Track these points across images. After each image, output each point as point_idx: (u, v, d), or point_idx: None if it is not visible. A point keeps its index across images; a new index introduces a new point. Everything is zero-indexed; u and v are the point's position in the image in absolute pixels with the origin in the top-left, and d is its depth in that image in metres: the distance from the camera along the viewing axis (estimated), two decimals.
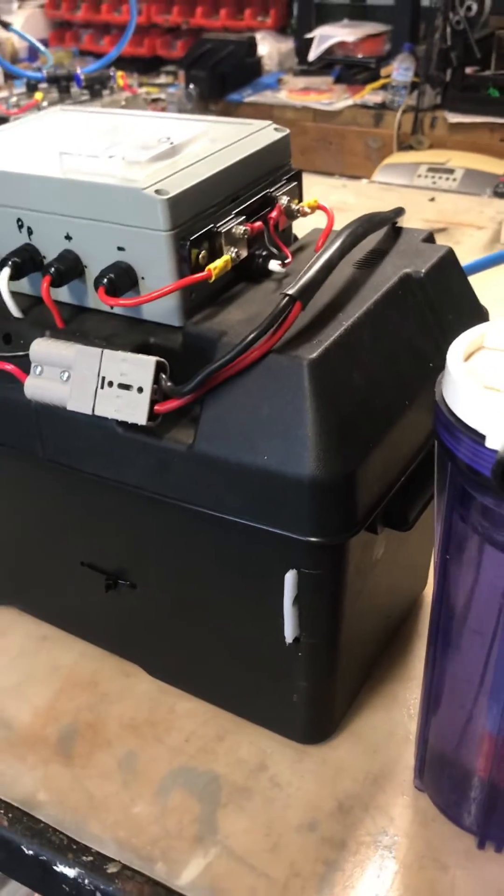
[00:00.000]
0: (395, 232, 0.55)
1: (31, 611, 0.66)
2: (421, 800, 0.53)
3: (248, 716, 0.57)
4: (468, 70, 2.36)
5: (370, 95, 2.46)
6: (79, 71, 1.22)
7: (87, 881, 0.50)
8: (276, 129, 0.54)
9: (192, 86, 2.53)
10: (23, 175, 0.50)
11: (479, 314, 0.55)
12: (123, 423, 0.47)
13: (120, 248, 0.48)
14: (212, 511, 0.47)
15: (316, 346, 0.44)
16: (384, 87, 2.45)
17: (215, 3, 2.84)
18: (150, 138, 0.50)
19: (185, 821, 0.52)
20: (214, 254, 0.48)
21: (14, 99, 1.26)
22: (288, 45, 2.73)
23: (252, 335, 0.43)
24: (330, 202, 0.55)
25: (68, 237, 0.49)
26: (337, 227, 0.52)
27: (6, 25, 1.51)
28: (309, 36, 2.62)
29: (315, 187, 1.46)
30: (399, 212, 0.55)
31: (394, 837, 0.51)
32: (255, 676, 0.55)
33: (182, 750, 0.56)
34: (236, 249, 0.49)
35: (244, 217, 0.50)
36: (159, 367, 0.45)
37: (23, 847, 0.51)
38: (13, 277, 0.50)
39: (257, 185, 0.52)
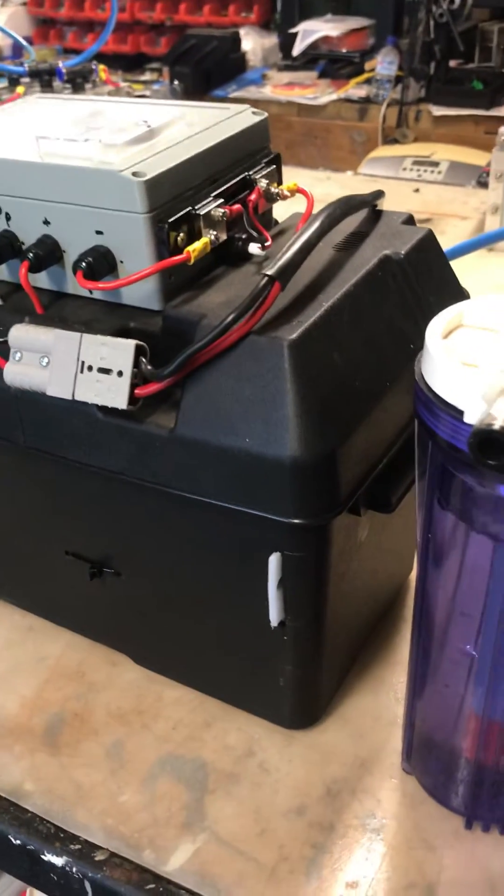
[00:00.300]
0: (375, 215, 0.55)
1: (16, 601, 0.65)
2: (408, 782, 0.53)
3: (236, 702, 0.57)
4: (452, 63, 2.36)
5: (354, 89, 2.46)
6: (61, 65, 1.21)
7: (75, 869, 0.50)
8: (254, 113, 0.54)
9: (176, 82, 2.53)
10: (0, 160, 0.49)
11: (459, 296, 0.55)
12: (104, 408, 0.46)
13: (98, 232, 0.48)
14: (194, 495, 0.47)
15: (296, 327, 0.44)
16: (368, 81, 2.46)
17: None
18: (127, 122, 0.50)
19: (173, 808, 0.52)
20: (193, 236, 0.48)
21: None
22: (272, 40, 2.73)
23: (231, 316, 0.43)
24: (314, 194, 0.55)
25: (46, 222, 0.49)
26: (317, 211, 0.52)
27: None
28: (293, 31, 2.62)
29: (299, 179, 1.45)
30: (378, 194, 0.55)
31: (382, 820, 0.51)
32: (242, 662, 0.55)
33: (169, 738, 0.56)
34: (215, 232, 0.49)
35: (223, 200, 0.49)
36: (139, 351, 0.45)
37: (10, 837, 0.51)
38: None
39: (236, 168, 0.52)
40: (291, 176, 0.56)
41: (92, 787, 0.53)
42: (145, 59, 2.94)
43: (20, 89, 1.18)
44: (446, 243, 0.56)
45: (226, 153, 0.50)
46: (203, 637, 0.55)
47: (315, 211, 0.53)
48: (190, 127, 0.51)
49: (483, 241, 0.69)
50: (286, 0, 2.72)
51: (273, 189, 0.52)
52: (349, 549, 0.50)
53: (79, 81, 1.22)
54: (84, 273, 0.47)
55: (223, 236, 0.49)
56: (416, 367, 0.41)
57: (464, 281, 0.58)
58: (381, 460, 0.49)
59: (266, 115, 0.54)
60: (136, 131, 0.48)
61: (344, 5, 2.72)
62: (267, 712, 0.56)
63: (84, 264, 0.47)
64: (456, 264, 0.59)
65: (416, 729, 0.51)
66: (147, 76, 2.85)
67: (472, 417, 0.36)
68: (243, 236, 0.50)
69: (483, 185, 1.42)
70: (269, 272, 0.43)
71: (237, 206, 0.50)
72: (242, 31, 2.69)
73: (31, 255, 0.49)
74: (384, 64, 2.38)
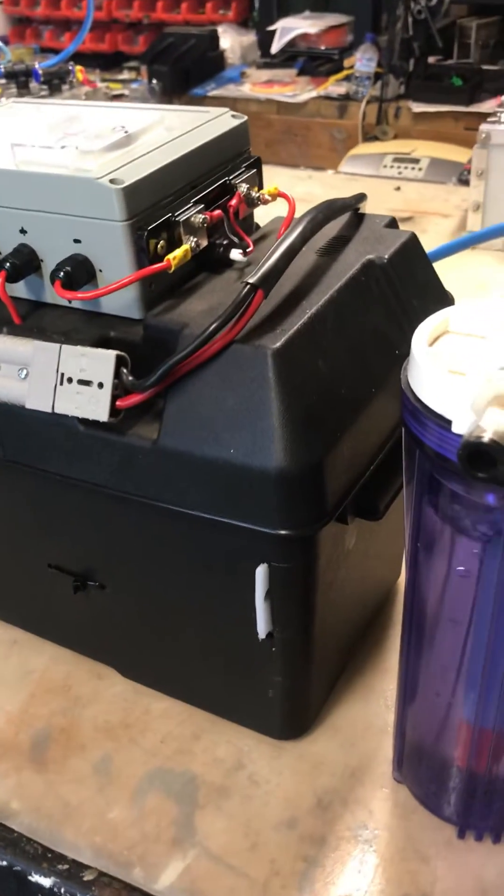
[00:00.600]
0: (358, 218, 0.55)
1: (0, 615, 0.64)
2: (400, 792, 0.52)
3: (224, 714, 0.56)
4: (431, 59, 2.36)
5: (334, 87, 2.46)
6: (37, 66, 1.20)
7: (63, 890, 0.49)
8: (233, 116, 0.53)
9: (154, 81, 2.51)
10: None
11: (444, 299, 0.55)
12: (85, 421, 0.46)
13: (76, 241, 0.47)
14: (179, 507, 0.46)
15: (279, 336, 0.43)
16: (347, 79, 2.45)
17: None
18: (104, 128, 0.49)
19: (163, 823, 0.51)
20: (173, 244, 0.47)
21: None
22: (250, 38, 2.72)
23: (214, 325, 0.42)
24: (296, 193, 0.54)
25: (23, 231, 0.48)
26: (299, 215, 0.51)
27: None
28: (271, 28, 2.61)
29: (280, 178, 1.45)
30: (360, 198, 0.54)
31: (374, 831, 0.50)
32: (230, 673, 0.54)
33: (158, 751, 0.55)
34: (196, 239, 0.48)
35: (203, 206, 0.49)
36: (120, 362, 0.44)
37: None
38: None
39: (216, 173, 0.51)
40: (272, 175, 0.55)
41: (80, 804, 0.52)
42: (123, 58, 2.92)
43: None
44: (428, 241, 0.55)
45: (205, 158, 0.50)
46: (190, 649, 0.54)
47: (297, 214, 0.52)
48: (168, 131, 0.50)
49: (467, 242, 0.69)
50: None
51: (254, 193, 0.52)
52: (337, 558, 0.50)
53: (55, 83, 1.21)
54: (62, 282, 0.46)
55: (204, 243, 0.48)
56: (402, 375, 0.40)
57: (445, 279, 0.57)
58: (368, 468, 0.48)
59: (246, 118, 0.53)
60: (113, 137, 0.47)
61: (322, 2, 2.71)
62: (256, 723, 0.55)
63: (62, 273, 0.46)
64: (437, 263, 0.59)
65: (407, 737, 0.51)
66: (125, 75, 2.83)
67: (460, 427, 0.35)
68: (224, 242, 0.49)
69: (464, 182, 1.42)
70: (252, 280, 0.43)
71: (218, 212, 0.49)
72: (220, 29, 2.68)
73: (7, 264, 0.48)
74: (363, 61, 2.37)
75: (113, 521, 0.50)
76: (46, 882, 0.49)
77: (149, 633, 0.56)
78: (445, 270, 0.60)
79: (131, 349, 0.46)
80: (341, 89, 2.43)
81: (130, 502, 0.47)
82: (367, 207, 0.58)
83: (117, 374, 0.44)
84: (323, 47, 2.56)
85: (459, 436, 0.36)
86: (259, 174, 0.53)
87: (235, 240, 0.50)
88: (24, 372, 0.46)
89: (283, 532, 0.44)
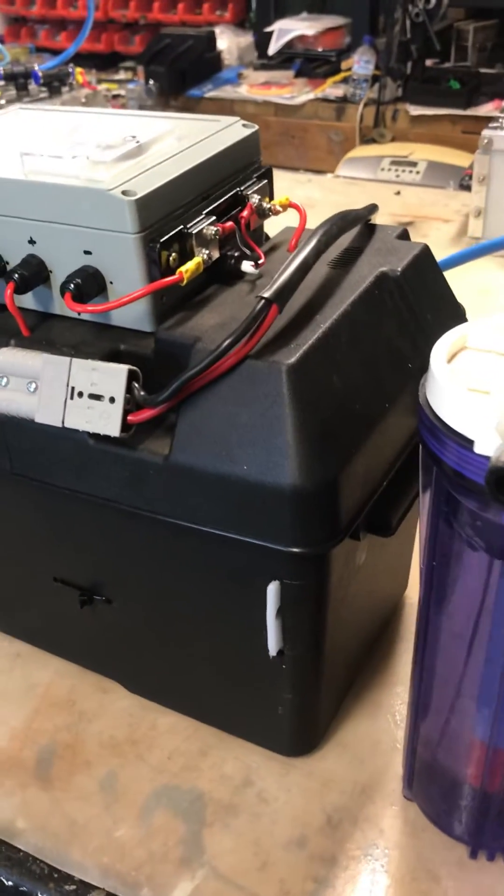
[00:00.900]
0: (369, 229, 0.54)
1: (3, 627, 0.63)
2: (410, 810, 0.52)
3: (232, 730, 0.56)
4: (428, 62, 2.35)
5: (331, 89, 2.45)
6: (37, 68, 1.19)
7: None
8: (244, 126, 0.52)
9: (151, 82, 2.50)
10: None
11: (456, 312, 0.54)
12: (95, 435, 0.45)
13: (86, 252, 0.46)
14: (190, 523, 0.45)
15: (294, 351, 0.42)
16: (345, 81, 2.44)
17: None
18: (115, 137, 0.48)
19: (171, 842, 0.50)
20: (185, 256, 0.46)
21: None
22: (247, 39, 2.71)
23: (228, 341, 0.41)
24: (295, 197, 0.54)
25: (32, 241, 0.47)
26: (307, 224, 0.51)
27: None
28: (268, 30, 2.60)
29: (280, 182, 1.44)
30: (372, 209, 0.54)
31: (384, 850, 0.50)
32: (238, 690, 0.53)
33: (165, 768, 0.54)
34: (208, 251, 0.47)
35: (215, 217, 0.48)
36: (132, 376, 0.43)
37: (2, 878, 0.49)
38: None
39: (227, 184, 0.50)
40: None
41: (86, 822, 0.52)
42: (119, 58, 2.91)
43: None
44: (430, 246, 0.54)
45: (217, 168, 0.49)
46: (198, 664, 0.54)
47: (308, 226, 0.52)
48: (179, 141, 0.49)
49: (480, 251, 0.68)
50: None
51: (265, 204, 0.51)
52: (348, 574, 0.49)
53: (55, 85, 1.20)
54: (73, 295, 0.45)
55: (216, 255, 0.48)
56: (420, 392, 0.39)
57: (453, 288, 0.56)
58: (381, 483, 0.47)
59: (257, 127, 0.52)
60: (124, 147, 0.47)
61: (319, 4, 2.71)
62: (264, 740, 0.55)
63: (72, 286, 0.45)
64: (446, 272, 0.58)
65: (419, 755, 0.50)
66: (121, 75, 2.82)
67: (483, 448, 0.35)
68: (236, 254, 0.49)
69: (466, 187, 1.42)
70: (267, 294, 0.42)
71: (230, 224, 0.48)
72: (217, 30, 2.67)
73: (16, 275, 0.47)
74: (361, 63, 2.36)
75: (122, 536, 0.50)
76: None
77: (156, 648, 0.55)
78: (446, 276, 0.60)
79: (142, 363, 0.45)
80: (339, 91, 2.42)
81: (140, 517, 0.47)
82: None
83: (129, 389, 0.43)
84: (320, 49, 2.55)
85: (481, 456, 0.35)
86: (270, 185, 0.53)
87: (247, 251, 0.49)
88: (33, 385, 0.45)
89: (296, 550, 0.43)
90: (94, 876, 0.49)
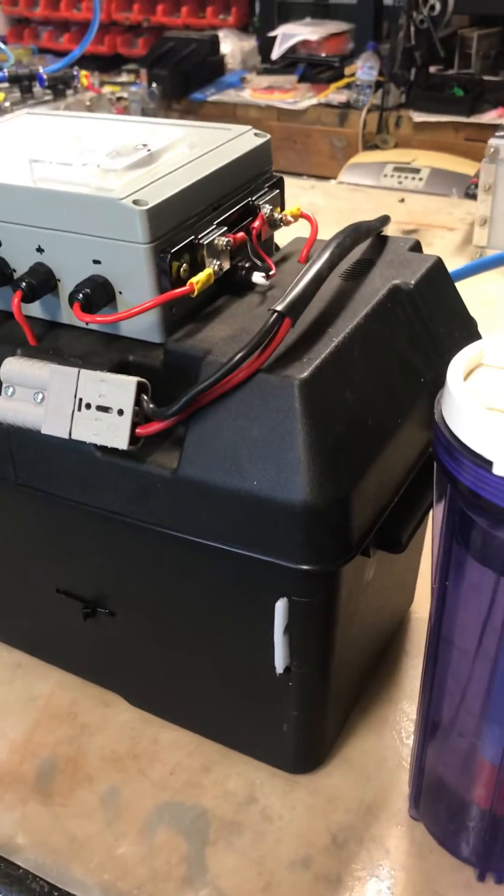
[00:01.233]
0: (381, 241, 0.53)
1: (4, 638, 0.63)
2: (417, 830, 0.51)
3: (236, 745, 0.55)
4: (432, 69, 2.36)
5: (334, 94, 2.45)
6: (41, 70, 1.18)
7: None
8: (256, 135, 0.51)
9: (154, 84, 2.50)
10: None
11: (469, 326, 0.53)
12: (103, 447, 0.44)
13: (96, 262, 0.45)
14: (198, 538, 0.44)
15: (306, 365, 0.42)
16: (348, 86, 2.44)
17: (176, 0, 2.81)
18: (126, 145, 0.47)
19: (173, 860, 0.50)
20: (196, 267, 0.46)
21: None
22: (251, 43, 2.71)
23: (240, 354, 0.41)
24: (299, 204, 0.53)
25: (40, 249, 0.47)
26: (306, 232, 0.50)
27: None
28: (272, 34, 2.60)
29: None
30: (385, 220, 0.53)
31: (391, 871, 0.49)
32: (243, 706, 0.52)
33: (167, 784, 0.54)
34: (219, 262, 0.46)
35: (226, 227, 0.47)
36: (140, 388, 0.43)
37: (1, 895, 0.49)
38: None
39: (239, 194, 0.49)
40: None
41: (87, 839, 0.51)
42: (122, 61, 2.91)
43: (0, 95, 1.15)
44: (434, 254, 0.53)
45: (229, 178, 0.48)
46: (202, 680, 0.53)
47: (319, 237, 0.51)
48: (191, 150, 0.49)
49: (490, 263, 0.67)
50: (265, 3, 2.70)
51: (276, 215, 0.50)
52: (357, 591, 0.49)
53: (60, 87, 1.19)
54: (81, 305, 0.44)
55: (227, 266, 0.47)
56: (435, 409, 0.39)
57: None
58: (393, 499, 0.47)
59: (269, 136, 0.51)
60: (135, 155, 0.46)
61: (323, 9, 2.71)
62: (269, 756, 0.54)
63: (81, 296, 0.44)
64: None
65: (426, 774, 0.50)
66: (124, 77, 2.81)
67: (503, 470, 0.34)
68: (247, 265, 0.48)
69: (471, 196, 1.41)
70: (279, 308, 0.41)
71: (241, 235, 0.48)
72: (221, 34, 2.67)
73: (23, 284, 0.46)
74: (364, 69, 2.36)
75: (127, 549, 0.49)
76: None
77: (159, 663, 0.54)
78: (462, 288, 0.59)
79: (151, 374, 0.44)
80: (342, 97, 2.42)
81: (147, 531, 0.46)
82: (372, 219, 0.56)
83: (138, 401, 0.43)
84: (324, 54, 2.56)
85: (500, 478, 0.34)
86: (281, 195, 0.52)
87: (258, 263, 0.48)
88: (41, 396, 0.45)
89: (305, 567, 0.42)
90: (94, 894, 0.48)
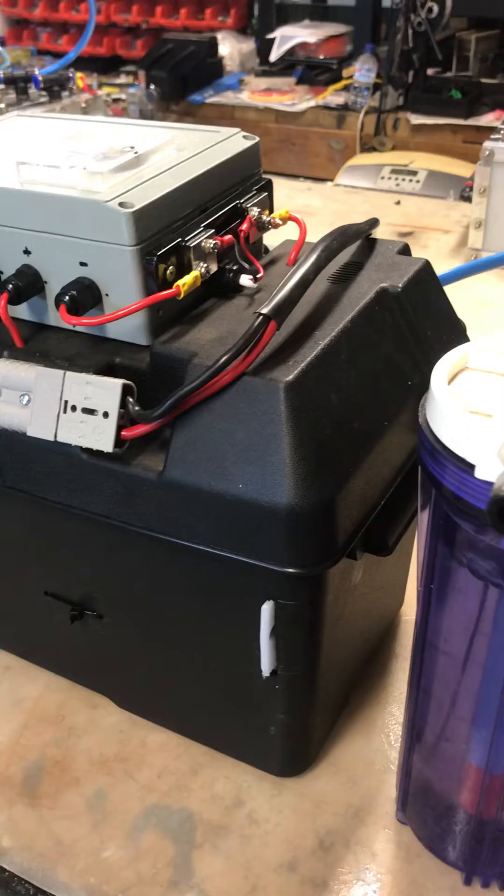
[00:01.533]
0: (370, 244, 0.53)
1: None
2: (404, 833, 0.51)
3: (223, 749, 0.55)
4: (430, 71, 2.36)
5: (332, 96, 2.45)
6: (37, 72, 1.18)
7: None
8: (244, 137, 0.51)
9: (152, 86, 2.50)
10: None
11: (457, 328, 0.53)
12: (88, 450, 0.44)
13: (82, 264, 0.45)
14: (183, 541, 0.44)
15: (292, 368, 0.42)
16: (346, 88, 2.44)
17: (175, 2, 2.81)
18: (113, 147, 0.47)
19: (159, 864, 0.50)
20: (183, 269, 0.46)
21: None
22: (249, 45, 2.71)
23: (225, 357, 0.41)
24: (295, 206, 0.53)
25: (27, 251, 0.47)
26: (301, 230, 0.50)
27: None
28: (270, 36, 2.60)
29: (279, 190, 1.43)
30: (374, 223, 0.53)
31: (377, 875, 0.49)
32: (230, 709, 0.52)
33: (154, 787, 0.54)
34: (206, 264, 0.46)
35: (213, 230, 0.47)
36: (126, 391, 0.43)
37: None
38: None
39: (227, 196, 0.49)
40: None
41: (73, 842, 0.51)
42: (120, 62, 2.91)
43: None
44: (429, 257, 0.53)
45: (216, 181, 0.48)
46: (190, 683, 0.53)
47: (308, 239, 0.51)
48: (179, 152, 0.49)
49: (483, 265, 0.68)
50: (263, 5, 2.70)
51: (265, 217, 0.50)
52: (344, 594, 0.48)
53: (55, 89, 1.19)
54: (67, 307, 0.44)
55: (214, 268, 0.47)
56: (420, 413, 0.39)
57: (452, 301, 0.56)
58: (379, 502, 0.47)
59: (257, 139, 0.51)
60: (122, 158, 0.46)
61: (321, 12, 2.71)
62: (256, 759, 0.54)
63: (67, 298, 0.44)
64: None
65: (413, 778, 0.49)
66: (122, 79, 2.81)
67: (484, 473, 0.34)
68: (234, 267, 0.48)
69: (466, 198, 1.41)
70: (265, 311, 0.41)
71: (228, 237, 0.47)
72: (219, 36, 2.67)
73: (10, 286, 0.46)
74: (362, 71, 2.36)
75: (114, 552, 0.49)
76: None
77: (147, 665, 0.54)
78: (445, 290, 0.59)
79: (137, 377, 0.44)
80: (340, 99, 2.42)
81: (133, 534, 0.46)
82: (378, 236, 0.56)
83: (123, 404, 0.43)
84: (322, 56, 2.56)
85: (484, 482, 0.34)
86: (270, 197, 0.52)
87: (246, 265, 0.48)
88: (27, 398, 0.45)
89: (291, 570, 0.42)
90: None
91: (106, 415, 0.43)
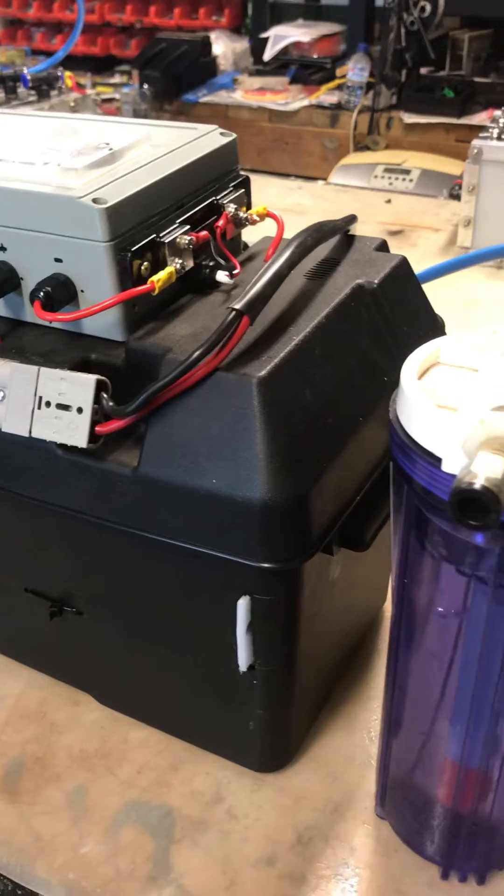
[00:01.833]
0: (348, 240, 0.53)
1: None
2: (383, 828, 0.51)
3: (203, 744, 0.55)
4: (423, 70, 2.36)
5: (326, 96, 2.45)
6: (25, 71, 1.18)
7: None
8: (221, 134, 0.51)
9: (146, 86, 2.50)
10: None
11: (433, 324, 0.53)
12: (63, 446, 0.44)
13: (57, 260, 0.45)
14: (159, 536, 0.44)
15: (265, 363, 0.42)
16: (340, 88, 2.45)
17: (169, 2, 2.81)
18: (88, 144, 0.47)
19: (138, 859, 0.50)
20: (158, 265, 0.46)
21: None
22: (243, 44, 2.71)
23: (198, 352, 0.41)
24: (286, 204, 0.53)
25: (3, 248, 0.47)
26: (289, 233, 0.50)
27: None
28: (264, 36, 2.60)
29: (271, 189, 1.44)
30: (351, 219, 0.53)
31: (355, 870, 0.49)
32: (210, 704, 0.52)
33: (134, 782, 0.54)
34: (181, 260, 0.46)
35: (189, 226, 0.47)
36: (100, 386, 0.43)
37: None
38: None
39: (203, 193, 0.49)
40: (262, 185, 0.54)
41: (52, 837, 0.51)
42: (114, 62, 2.91)
43: None
44: (418, 256, 0.54)
45: (192, 177, 0.48)
46: (169, 678, 0.53)
47: (287, 233, 0.51)
48: (155, 149, 0.49)
49: (464, 262, 0.68)
50: (257, 4, 2.71)
51: (241, 214, 0.50)
52: (321, 589, 0.49)
53: (44, 88, 1.19)
54: (42, 303, 0.44)
55: (189, 264, 0.47)
56: (391, 408, 0.39)
57: (431, 296, 0.56)
58: (355, 497, 0.47)
59: (234, 136, 0.52)
60: (96, 154, 0.46)
61: (315, 11, 2.71)
62: (236, 755, 0.54)
63: (42, 294, 0.44)
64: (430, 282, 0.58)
65: (391, 773, 0.50)
66: (116, 79, 2.81)
67: (451, 467, 0.34)
68: (211, 264, 0.48)
69: (455, 196, 1.42)
70: (237, 306, 0.41)
71: (204, 233, 0.48)
72: (213, 35, 2.67)
73: None
74: (355, 70, 2.36)
75: (91, 548, 0.49)
76: None
77: (127, 661, 0.54)
78: (431, 287, 0.59)
79: (112, 372, 0.45)
80: (333, 98, 2.43)
81: (109, 529, 0.46)
82: (358, 220, 0.56)
83: (97, 399, 0.43)
84: (315, 56, 2.56)
85: (450, 475, 0.34)
86: (247, 194, 0.52)
87: (222, 261, 0.48)
88: (1, 394, 0.45)
89: (266, 565, 0.42)
90: (58, 893, 0.48)
91: (80, 410, 0.43)
